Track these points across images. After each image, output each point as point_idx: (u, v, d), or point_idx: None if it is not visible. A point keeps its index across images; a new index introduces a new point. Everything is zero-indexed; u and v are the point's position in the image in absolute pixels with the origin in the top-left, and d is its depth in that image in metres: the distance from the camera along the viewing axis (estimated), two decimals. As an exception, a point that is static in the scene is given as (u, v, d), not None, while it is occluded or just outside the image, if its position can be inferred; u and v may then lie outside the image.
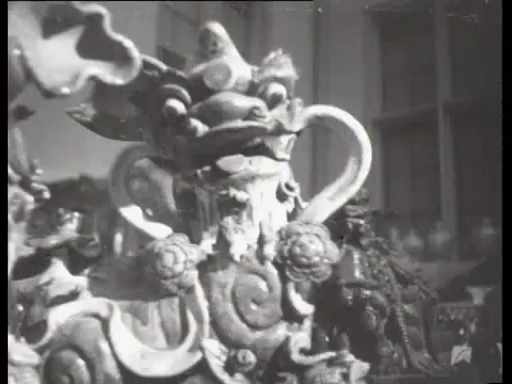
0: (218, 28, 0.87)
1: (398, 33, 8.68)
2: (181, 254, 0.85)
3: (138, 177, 1.09)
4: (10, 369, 0.71)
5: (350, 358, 0.82)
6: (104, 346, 0.84)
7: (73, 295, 0.89)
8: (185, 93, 0.82)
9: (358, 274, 1.14)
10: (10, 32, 0.70)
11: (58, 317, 0.85)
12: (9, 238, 0.64)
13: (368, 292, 1.17)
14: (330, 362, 0.84)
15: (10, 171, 0.69)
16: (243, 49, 9.13)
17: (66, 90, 0.70)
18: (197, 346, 0.84)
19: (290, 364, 0.84)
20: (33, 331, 0.87)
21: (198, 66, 0.85)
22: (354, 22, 9.03)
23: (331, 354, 0.84)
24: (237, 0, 7.63)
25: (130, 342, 0.85)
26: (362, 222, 1.24)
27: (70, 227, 1.27)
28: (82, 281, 0.92)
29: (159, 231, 0.90)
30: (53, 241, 1.16)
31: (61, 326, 0.85)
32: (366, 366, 0.82)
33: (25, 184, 0.69)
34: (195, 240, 0.89)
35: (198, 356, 0.84)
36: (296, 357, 0.84)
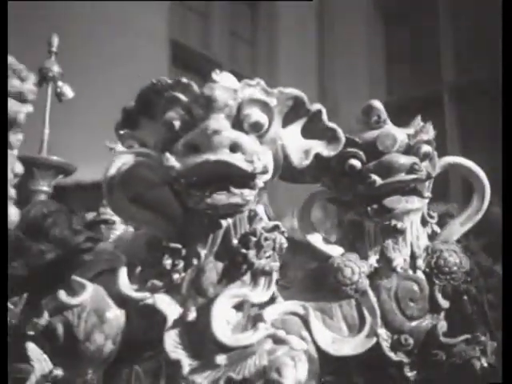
0: (378, 104, 1.20)
1: (400, 16, 8.96)
2: (356, 268, 1.20)
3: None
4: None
5: (483, 338, 1.18)
6: (306, 334, 1.19)
7: (272, 299, 1.23)
8: (361, 154, 1.17)
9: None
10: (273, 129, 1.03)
11: (270, 315, 1.19)
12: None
13: (464, 285, 1.52)
14: (467, 341, 1.20)
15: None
16: (251, 36, 9.35)
17: (306, 163, 1.04)
18: (372, 334, 1.19)
19: (438, 344, 1.20)
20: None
21: (369, 133, 1.19)
22: (357, 6, 9.30)
23: (467, 336, 1.20)
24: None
25: (323, 331, 1.20)
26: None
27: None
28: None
29: (335, 251, 1.24)
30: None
31: (273, 322, 1.19)
32: (494, 344, 1.19)
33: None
34: (362, 257, 1.24)
35: (373, 340, 1.19)
36: (443, 339, 1.19)
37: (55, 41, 1.31)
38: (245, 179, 0.93)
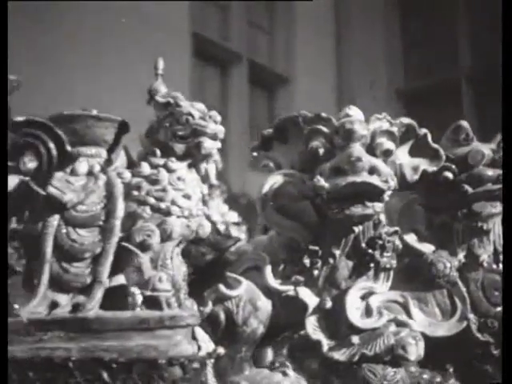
0: (466, 124, 1.44)
1: (416, 3, 9.09)
2: (447, 263, 1.45)
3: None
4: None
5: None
6: (405, 317, 1.43)
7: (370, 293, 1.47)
8: (454, 168, 1.41)
9: None
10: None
11: (376, 302, 1.44)
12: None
13: None
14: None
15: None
16: (268, 26, 9.52)
17: (415, 178, 1.28)
18: (463, 318, 1.44)
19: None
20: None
21: (460, 150, 1.42)
22: (375, -6, 9.40)
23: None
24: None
25: (421, 316, 1.44)
26: None
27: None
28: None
29: (428, 248, 1.49)
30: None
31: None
32: None
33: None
34: (451, 254, 1.48)
35: (464, 324, 1.44)
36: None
37: (161, 64, 1.53)
38: (377, 195, 1.17)
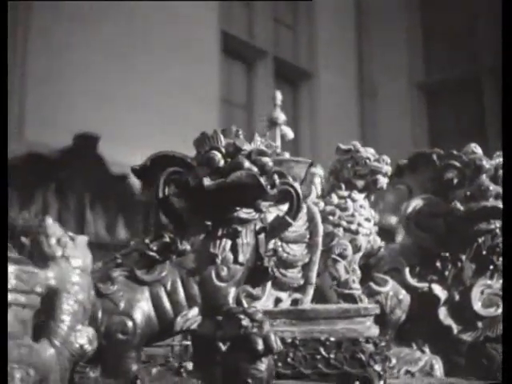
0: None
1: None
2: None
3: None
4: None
5: None
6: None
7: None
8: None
9: None
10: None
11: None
12: None
13: None
14: None
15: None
16: (292, 21, 9.86)
17: None
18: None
19: None
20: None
21: None
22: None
23: None
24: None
25: None
26: None
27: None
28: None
29: None
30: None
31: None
32: None
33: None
34: None
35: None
36: None
37: (279, 96, 1.92)
38: (499, 214, 1.57)
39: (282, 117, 1.86)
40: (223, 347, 1.14)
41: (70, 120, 5.09)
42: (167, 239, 1.19)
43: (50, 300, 0.78)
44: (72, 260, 0.82)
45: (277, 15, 9.90)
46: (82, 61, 5.85)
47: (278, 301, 1.41)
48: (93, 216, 4.94)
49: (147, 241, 1.20)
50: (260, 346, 1.10)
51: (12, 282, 0.72)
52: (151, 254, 1.18)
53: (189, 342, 1.50)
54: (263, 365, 1.12)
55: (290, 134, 1.88)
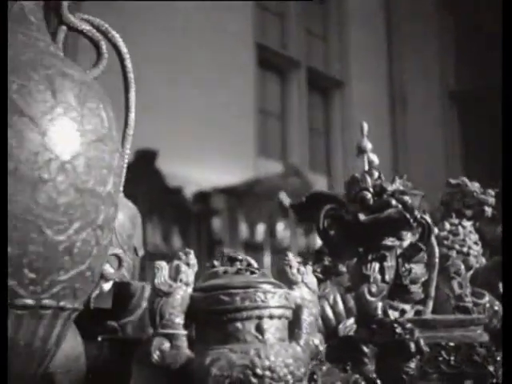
0: None
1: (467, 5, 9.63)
2: None
3: None
4: None
5: None
6: None
7: None
8: None
9: None
10: None
11: None
12: None
13: None
14: None
15: None
16: (323, 32, 10.17)
17: None
18: None
19: None
20: None
21: None
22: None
23: None
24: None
25: None
26: None
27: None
28: None
29: None
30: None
31: None
32: None
33: None
34: None
35: None
36: None
37: (365, 126, 2.23)
38: None
39: (369, 145, 2.17)
40: (374, 350, 1.46)
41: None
42: (327, 262, 1.51)
43: (295, 314, 1.10)
44: (308, 284, 1.14)
45: (309, 25, 10.24)
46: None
47: (403, 312, 1.72)
48: (152, 227, 5.28)
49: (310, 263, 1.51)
50: (413, 349, 1.41)
51: (282, 301, 1.04)
52: (316, 274, 1.49)
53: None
54: (413, 364, 1.43)
55: (376, 161, 2.19)
